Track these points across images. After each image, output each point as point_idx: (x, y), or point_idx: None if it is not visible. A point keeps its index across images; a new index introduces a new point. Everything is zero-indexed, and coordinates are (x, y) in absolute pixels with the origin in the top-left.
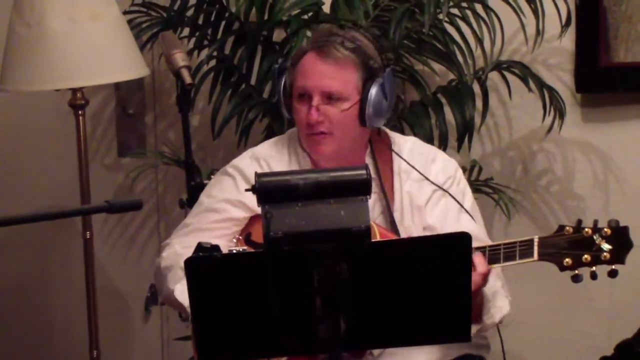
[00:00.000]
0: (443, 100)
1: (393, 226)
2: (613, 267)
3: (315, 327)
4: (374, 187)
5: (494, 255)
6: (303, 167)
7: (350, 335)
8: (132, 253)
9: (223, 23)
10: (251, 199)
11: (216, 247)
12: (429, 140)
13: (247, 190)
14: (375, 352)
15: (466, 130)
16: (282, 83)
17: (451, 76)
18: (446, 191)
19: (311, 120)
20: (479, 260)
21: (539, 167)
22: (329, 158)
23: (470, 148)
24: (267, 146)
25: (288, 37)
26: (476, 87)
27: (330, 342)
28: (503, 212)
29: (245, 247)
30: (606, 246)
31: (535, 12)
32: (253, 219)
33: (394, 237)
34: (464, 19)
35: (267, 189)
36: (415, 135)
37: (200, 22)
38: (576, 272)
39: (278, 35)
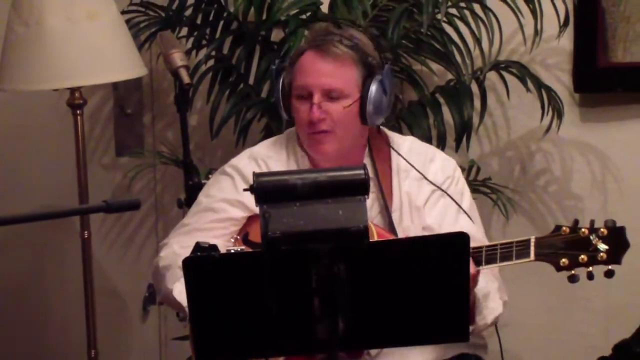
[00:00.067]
0: (441, 100)
1: (391, 226)
2: (610, 267)
3: (314, 327)
4: (372, 187)
5: (490, 255)
6: (301, 166)
7: (349, 335)
8: (130, 253)
9: (221, 23)
10: (250, 199)
11: (214, 247)
12: (427, 140)
13: (245, 190)
14: (373, 352)
15: (464, 130)
16: (281, 83)
17: (449, 76)
18: (444, 191)
19: (313, 117)
20: None
21: (537, 167)
22: (331, 157)
23: (469, 148)
24: (266, 146)
25: (286, 37)
26: (474, 87)
27: (328, 342)
28: (501, 212)
29: (243, 247)
30: (603, 246)
31: (533, 12)
32: (251, 219)
33: (392, 237)
34: (462, 19)
35: (266, 189)
36: (413, 135)
37: (198, 21)
38: (573, 272)
39: (276, 35)
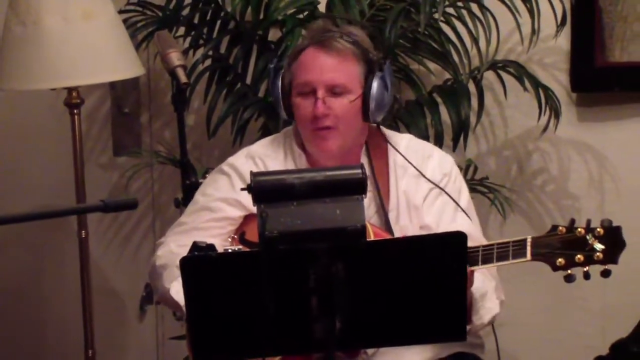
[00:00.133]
0: (439, 99)
1: (387, 225)
2: (606, 267)
3: (311, 327)
4: (369, 186)
5: (487, 255)
6: (299, 165)
7: (346, 335)
8: (127, 252)
9: (218, 22)
10: (247, 198)
11: (211, 247)
12: (424, 139)
13: (242, 189)
14: (370, 351)
15: (462, 129)
16: (280, 82)
17: (447, 75)
18: (442, 189)
19: (318, 112)
20: None
21: (534, 167)
22: (334, 154)
23: (466, 147)
24: (263, 145)
25: (283, 36)
26: (472, 87)
27: (325, 341)
28: (498, 212)
29: (240, 247)
30: (599, 246)
31: (530, 11)
32: (247, 218)
33: (388, 237)
34: (460, 18)
35: (263, 188)
36: (410, 134)
37: (195, 21)
38: (569, 272)
39: (273, 34)
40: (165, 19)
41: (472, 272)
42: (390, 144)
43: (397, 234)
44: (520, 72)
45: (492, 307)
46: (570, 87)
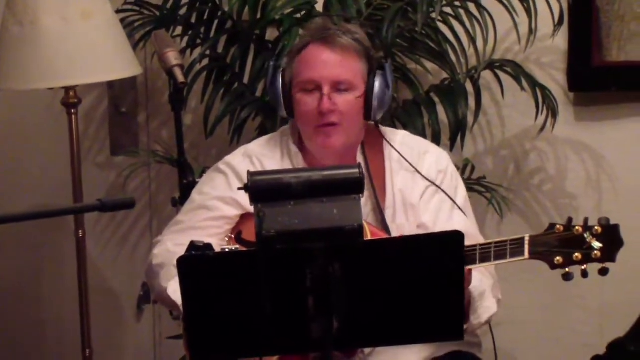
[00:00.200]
0: (436, 99)
1: (383, 224)
2: (604, 265)
3: (308, 326)
4: (365, 184)
5: (484, 254)
6: (296, 164)
7: (343, 334)
8: (124, 252)
9: (216, 22)
10: (244, 197)
11: (209, 246)
12: None
13: (239, 189)
14: (367, 350)
15: (459, 129)
16: (280, 79)
17: (444, 75)
18: (438, 187)
19: (324, 108)
20: None
21: (531, 166)
22: (337, 151)
23: (463, 147)
24: (260, 144)
25: (281, 35)
26: (469, 86)
27: (322, 340)
28: (496, 211)
29: (237, 246)
30: (597, 244)
31: (528, 11)
32: (244, 217)
33: (385, 236)
34: (457, 17)
35: (260, 188)
36: None
37: (193, 20)
38: (567, 270)
39: (271, 34)
40: (163, 18)
41: (470, 271)
42: (386, 140)
43: (394, 232)
44: (518, 72)
45: (490, 307)
46: (568, 86)
